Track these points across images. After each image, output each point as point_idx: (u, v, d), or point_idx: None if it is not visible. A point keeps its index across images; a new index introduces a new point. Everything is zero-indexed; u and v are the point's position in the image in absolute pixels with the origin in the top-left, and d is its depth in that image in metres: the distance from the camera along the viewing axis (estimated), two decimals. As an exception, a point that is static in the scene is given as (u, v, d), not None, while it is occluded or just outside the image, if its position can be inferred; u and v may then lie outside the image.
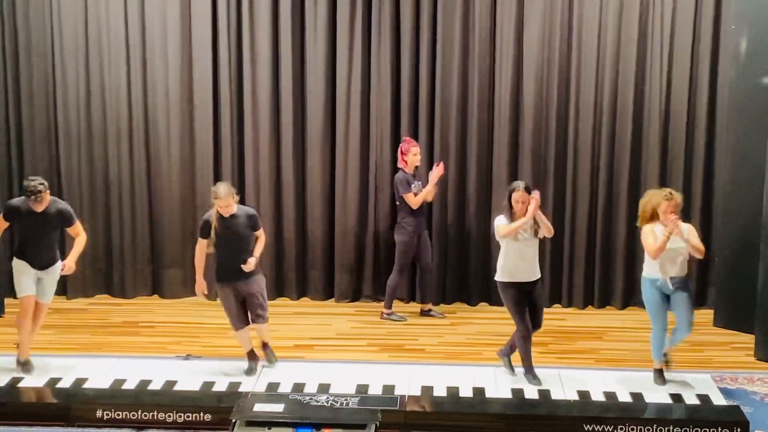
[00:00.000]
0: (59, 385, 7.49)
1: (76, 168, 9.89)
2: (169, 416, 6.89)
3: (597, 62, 9.62)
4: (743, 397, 7.47)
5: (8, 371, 7.72)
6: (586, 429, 6.77)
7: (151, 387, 7.48)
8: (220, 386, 7.51)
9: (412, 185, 9.22)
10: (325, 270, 10.17)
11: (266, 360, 7.96)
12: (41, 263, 7.74)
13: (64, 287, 10.02)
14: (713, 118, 9.69)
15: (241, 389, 7.42)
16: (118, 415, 6.90)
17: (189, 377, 7.69)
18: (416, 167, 9.30)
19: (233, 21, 9.74)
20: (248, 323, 7.82)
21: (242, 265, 7.61)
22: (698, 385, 7.60)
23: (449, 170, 9.74)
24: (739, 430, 6.69)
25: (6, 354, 8.06)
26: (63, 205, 7.82)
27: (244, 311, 7.79)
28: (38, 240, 7.68)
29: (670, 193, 7.26)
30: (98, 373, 7.75)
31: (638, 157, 9.73)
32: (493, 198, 9.70)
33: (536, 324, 7.65)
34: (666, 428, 6.72)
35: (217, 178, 9.89)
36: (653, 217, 7.35)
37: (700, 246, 7.35)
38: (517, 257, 7.47)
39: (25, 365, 7.78)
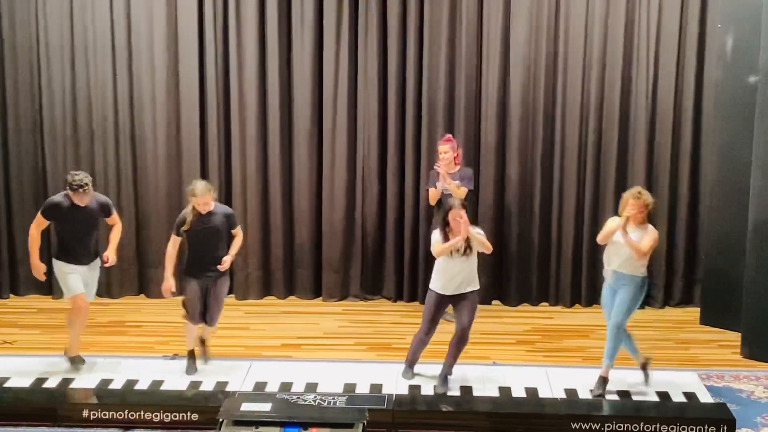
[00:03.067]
0: (45, 385, 7.47)
1: (62, 166, 9.84)
2: (156, 416, 6.88)
3: (583, 62, 9.64)
4: (730, 395, 7.50)
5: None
6: (573, 427, 6.79)
7: (137, 387, 7.47)
8: (207, 386, 7.50)
9: (437, 183, 9.09)
10: (313, 269, 10.16)
11: (202, 357, 7.93)
12: (87, 259, 7.66)
13: (50, 287, 10.00)
14: (699, 116, 9.72)
15: (228, 389, 7.41)
16: (105, 414, 6.89)
17: (176, 377, 7.67)
18: (457, 163, 9.15)
19: (219, 19, 9.71)
20: (202, 321, 7.80)
21: (218, 265, 7.60)
22: (685, 382, 7.62)
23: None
24: (725, 427, 6.72)
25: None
26: (103, 197, 7.81)
27: (203, 309, 7.77)
28: (83, 236, 7.60)
29: (639, 192, 7.30)
30: (85, 373, 7.73)
31: (625, 155, 9.75)
32: (480, 198, 9.71)
33: (460, 327, 7.52)
34: (653, 426, 6.75)
35: (204, 176, 9.86)
36: None
37: (641, 246, 7.19)
38: (448, 272, 7.46)
39: (74, 361, 7.77)
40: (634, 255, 7.22)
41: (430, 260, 9.87)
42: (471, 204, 9.27)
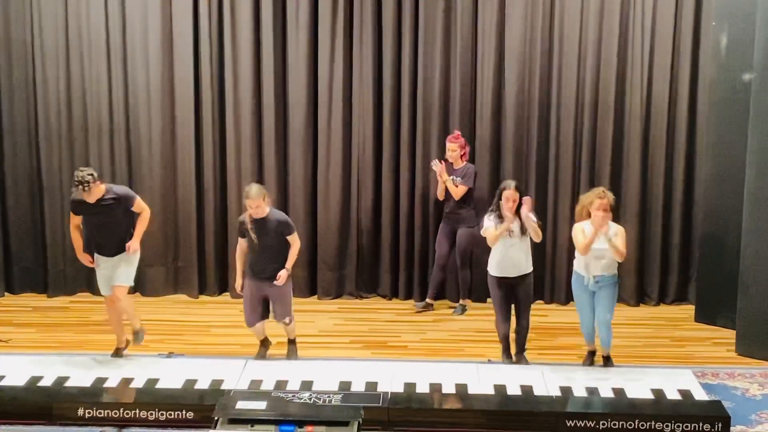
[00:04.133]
0: (41, 383, 7.45)
1: (57, 166, 9.84)
2: (151, 414, 6.88)
3: (578, 60, 9.63)
4: (724, 392, 7.51)
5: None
6: (568, 425, 6.79)
7: (132, 385, 7.45)
8: (203, 384, 7.48)
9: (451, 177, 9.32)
10: (308, 267, 10.15)
11: (287, 355, 8.14)
12: (111, 252, 7.72)
13: (45, 285, 9.99)
14: (694, 114, 9.72)
15: (223, 387, 7.40)
16: (100, 413, 6.88)
17: (171, 375, 7.66)
18: (464, 160, 9.39)
19: (214, 18, 9.70)
20: (262, 320, 7.92)
21: (274, 281, 7.68)
22: (679, 380, 7.62)
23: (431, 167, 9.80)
24: (720, 425, 6.72)
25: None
26: (120, 189, 7.81)
27: (261, 309, 7.87)
28: (102, 230, 7.65)
29: (603, 192, 7.46)
30: (80, 371, 7.72)
31: (619, 153, 9.75)
32: (476, 195, 9.70)
33: (519, 319, 7.80)
34: (647, 423, 6.75)
35: (199, 176, 9.88)
36: (589, 215, 7.53)
37: (622, 249, 7.45)
38: (504, 255, 7.63)
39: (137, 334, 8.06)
40: (616, 257, 7.43)
41: (425, 258, 9.95)
42: (470, 200, 9.38)
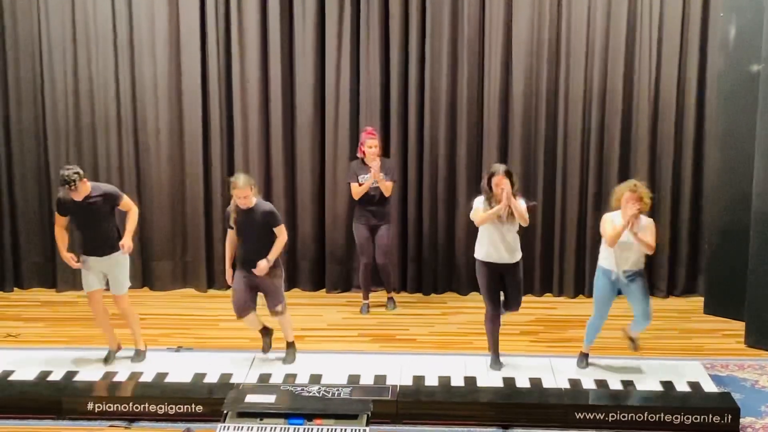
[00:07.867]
0: (50, 378, 7.48)
1: (65, 160, 9.80)
2: (161, 408, 6.89)
3: (586, 51, 9.61)
4: (734, 384, 7.50)
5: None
6: (577, 417, 6.79)
7: (142, 379, 7.48)
8: (212, 378, 7.50)
9: (360, 176, 9.12)
10: (316, 261, 10.16)
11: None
12: (100, 252, 7.65)
13: (53, 280, 10.01)
14: (702, 106, 9.70)
15: (232, 381, 7.41)
16: (110, 407, 6.90)
17: (180, 369, 7.68)
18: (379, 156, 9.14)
19: (221, 12, 9.69)
20: (251, 311, 7.78)
21: (253, 269, 7.60)
22: (689, 372, 7.61)
23: (439, 160, 9.79)
24: (729, 416, 6.72)
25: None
26: (106, 187, 7.76)
27: (251, 301, 7.77)
28: (91, 229, 7.60)
29: (635, 185, 7.30)
30: (89, 365, 7.74)
31: (627, 145, 9.74)
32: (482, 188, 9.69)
33: (513, 305, 7.70)
34: (657, 415, 6.75)
35: (207, 170, 9.88)
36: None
37: (650, 241, 7.27)
38: (493, 239, 7.51)
39: (107, 358, 7.86)
40: (645, 251, 7.31)
41: (433, 251, 9.94)
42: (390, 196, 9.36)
